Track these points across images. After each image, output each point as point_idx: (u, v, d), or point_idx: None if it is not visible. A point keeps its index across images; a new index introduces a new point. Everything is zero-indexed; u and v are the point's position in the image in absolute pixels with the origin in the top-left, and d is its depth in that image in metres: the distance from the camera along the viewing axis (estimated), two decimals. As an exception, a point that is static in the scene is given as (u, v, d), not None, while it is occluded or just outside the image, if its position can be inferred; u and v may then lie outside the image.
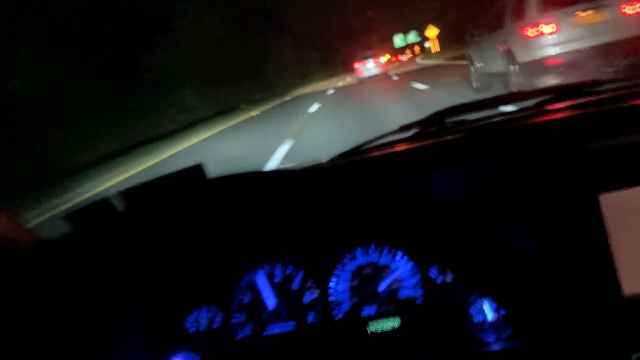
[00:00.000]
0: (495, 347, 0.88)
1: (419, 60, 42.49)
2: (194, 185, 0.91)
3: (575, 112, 0.93)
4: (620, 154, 0.80)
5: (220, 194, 0.93)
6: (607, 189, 0.78)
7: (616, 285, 0.77)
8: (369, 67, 24.54)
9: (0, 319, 0.79)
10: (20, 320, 0.81)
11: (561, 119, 0.90)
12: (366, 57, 24.80)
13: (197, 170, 0.91)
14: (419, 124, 1.06)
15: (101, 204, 0.90)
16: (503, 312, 0.90)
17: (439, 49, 43.19)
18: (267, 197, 0.93)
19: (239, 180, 0.93)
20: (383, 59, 25.61)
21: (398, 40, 69.98)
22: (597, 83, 1.04)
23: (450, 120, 1.07)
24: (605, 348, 0.76)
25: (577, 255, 0.79)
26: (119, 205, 0.90)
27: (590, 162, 0.81)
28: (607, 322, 0.77)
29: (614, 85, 1.04)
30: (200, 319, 1.00)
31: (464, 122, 1.07)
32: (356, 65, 25.11)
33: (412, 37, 68.35)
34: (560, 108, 0.99)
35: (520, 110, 1.05)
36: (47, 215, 6.87)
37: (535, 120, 0.94)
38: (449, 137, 0.96)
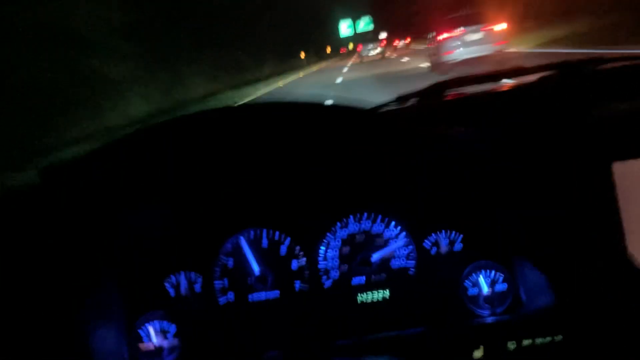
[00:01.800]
0: (489, 320, 0.85)
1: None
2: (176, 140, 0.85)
3: (579, 83, 0.91)
4: (633, 124, 0.79)
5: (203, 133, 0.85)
6: (620, 157, 0.76)
7: (623, 252, 0.75)
8: (472, 40, 11.07)
9: None
10: None
11: (571, 88, 0.88)
12: (462, 22, 11.31)
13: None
14: (418, 94, 1.03)
15: (76, 163, 0.84)
16: (505, 285, 0.87)
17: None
18: (256, 155, 0.88)
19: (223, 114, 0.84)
20: (499, 27, 10.86)
21: (345, 27, 49.28)
22: (600, 60, 1.02)
23: (449, 92, 1.04)
24: (612, 316, 0.74)
25: (587, 221, 0.77)
26: (95, 164, 0.84)
27: (603, 131, 0.79)
28: (613, 290, 0.75)
29: (616, 63, 1.02)
30: (180, 283, 0.94)
31: (464, 94, 1.04)
32: (443, 36, 11.45)
33: (364, 23, 48.05)
34: (564, 81, 0.96)
35: (523, 84, 1.02)
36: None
37: (547, 89, 0.92)
38: (449, 104, 0.93)
